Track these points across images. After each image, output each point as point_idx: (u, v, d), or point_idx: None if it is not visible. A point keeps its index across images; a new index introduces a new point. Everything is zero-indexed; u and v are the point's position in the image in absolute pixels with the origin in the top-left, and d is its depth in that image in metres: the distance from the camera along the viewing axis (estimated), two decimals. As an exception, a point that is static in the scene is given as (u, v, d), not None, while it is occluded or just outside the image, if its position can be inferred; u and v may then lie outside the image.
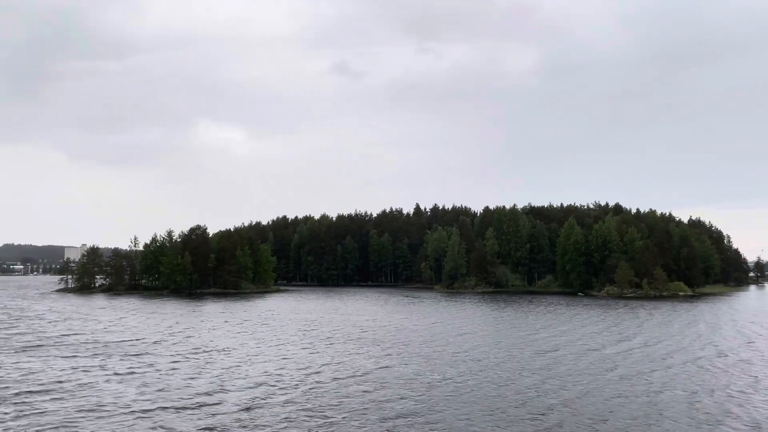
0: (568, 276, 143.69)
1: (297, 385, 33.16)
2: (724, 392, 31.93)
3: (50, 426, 24.60)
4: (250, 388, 32.30)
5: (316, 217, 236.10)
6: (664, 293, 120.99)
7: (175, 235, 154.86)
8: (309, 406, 28.36)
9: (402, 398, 29.98)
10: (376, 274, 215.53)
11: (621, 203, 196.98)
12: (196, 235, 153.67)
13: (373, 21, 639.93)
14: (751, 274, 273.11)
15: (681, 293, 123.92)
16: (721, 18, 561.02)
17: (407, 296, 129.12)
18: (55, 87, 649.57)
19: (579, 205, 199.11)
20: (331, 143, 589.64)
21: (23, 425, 24.64)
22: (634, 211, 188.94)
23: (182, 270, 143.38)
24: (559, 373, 36.93)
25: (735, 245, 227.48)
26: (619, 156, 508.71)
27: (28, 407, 27.63)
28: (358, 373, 36.58)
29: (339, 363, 40.56)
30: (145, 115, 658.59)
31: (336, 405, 28.48)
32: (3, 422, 25.07)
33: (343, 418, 26.22)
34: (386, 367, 39.11)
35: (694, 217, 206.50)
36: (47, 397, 29.53)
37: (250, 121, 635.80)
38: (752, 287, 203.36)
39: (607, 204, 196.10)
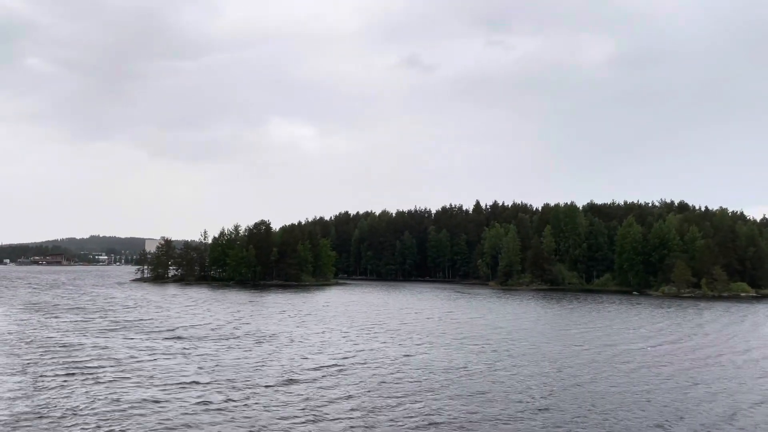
0: (625, 275, 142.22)
1: (335, 365, 37.36)
2: (707, 386, 33.70)
3: (130, 402, 28.02)
4: (316, 369, 36.68)
5: (378, 212, 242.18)
6: (724, 294, 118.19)
7: (242, 229, 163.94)
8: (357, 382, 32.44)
9: (407, 381, 33.55)
10: (434, 270, 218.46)
11: (688, 201, 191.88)
12: (261, 229, 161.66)
13: (440, 14, 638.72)
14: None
15: (743, 294, 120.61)
16: None
17: (460, 292, 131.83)
18: (137, 86, 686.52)
19: (643, 203, 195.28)
20: (397, 138, 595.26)
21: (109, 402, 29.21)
22: (702, 209, 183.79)
23: (247, 262, 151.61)
24: (564, 365, 39.48)
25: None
26: (692, 152, 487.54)
27: (111, 385, 32.83)
28: (385, 359, 40.43)
29: (365, 350, 44.51)
30: (220, 112, 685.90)
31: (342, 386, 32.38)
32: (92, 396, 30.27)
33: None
34: (412, 355, 42.75)
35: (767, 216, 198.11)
36: (127, 375, 34.64)
37: (320, 117, 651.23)
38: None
39: (672, 202, 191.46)
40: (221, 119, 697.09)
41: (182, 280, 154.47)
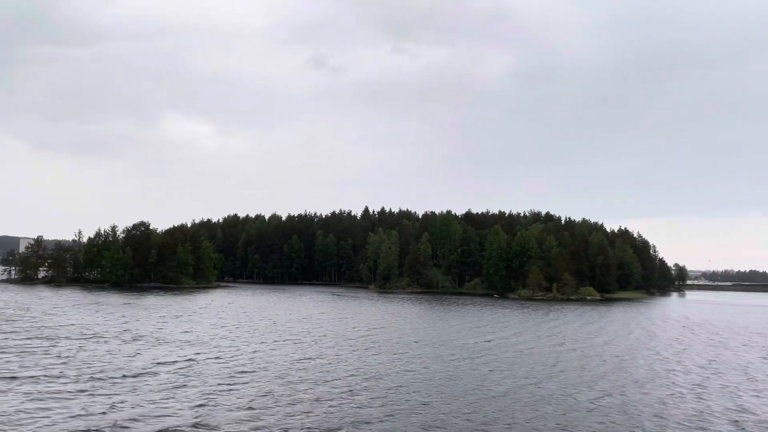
0: (492, 279, 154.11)
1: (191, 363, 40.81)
2: (517, 376, 40.78)
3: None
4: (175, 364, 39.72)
5: (269, 215, 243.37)
6: (572, 297, 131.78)
7: (119, 230, 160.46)
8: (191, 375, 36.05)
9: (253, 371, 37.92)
10: (321, 274, 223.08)
11: (556, 212, 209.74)
12: (140, 230, 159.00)
13: (347, 18, 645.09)
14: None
15: (589, 297, 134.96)
16: (696, 28, 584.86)
17: (337, 294, 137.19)
18: (18, 73, 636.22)
19: (515, 213, 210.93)
20: (296, 141, 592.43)
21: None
22: (565, 219, 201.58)
23: (124, 264, 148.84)
24: (398, 357, 45.44)
25: (661, 255, 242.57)
26: (574, 165, 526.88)
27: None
28: (222, 351, 44.44)
29: (224, 347, 48.31)
30: (112, 105, 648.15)
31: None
32: None
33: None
34: (265, 351, 47.05)
35: (623, 227, 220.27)
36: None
37: (220, 115, 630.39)
38: (674, 295, 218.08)
39: (539, 212, 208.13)
40: (113, 112, 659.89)
41: (53, 282, 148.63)
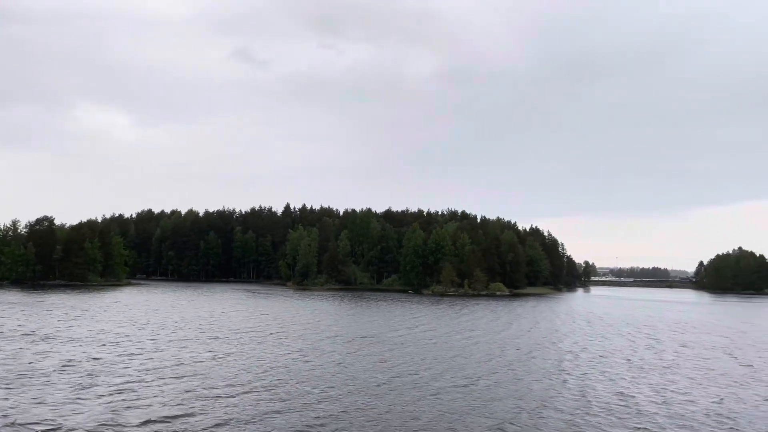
0: (408, 275, 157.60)
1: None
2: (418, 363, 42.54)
3: None
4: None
5: (185, 211, 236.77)
6: (483, 292, 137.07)
7: (21, 226, 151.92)
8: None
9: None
10: (239, 271, 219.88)
11: (473, 211, 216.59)
12: (43, 225, 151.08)
13: (273, 11, 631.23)
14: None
15: (498, 293, 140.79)
16: (611, 36, 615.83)
17: (254, 292, 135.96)
18: None
19: (433, 212, 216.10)
20: (217, 135, 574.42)
21: None
22: (480, 218, 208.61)
23: (25, 261, 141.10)
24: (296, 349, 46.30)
25: (570, 252, 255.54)
26: (493, 166, 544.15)
27: None
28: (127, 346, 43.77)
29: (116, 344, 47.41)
30: (18, 91, 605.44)
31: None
32: None
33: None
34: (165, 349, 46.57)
35: (534, 226, 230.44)
36: None
37: (138, 105, 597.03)
38: (580, 290, 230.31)
39: (456, 211, 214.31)
40: (19, 99, 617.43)
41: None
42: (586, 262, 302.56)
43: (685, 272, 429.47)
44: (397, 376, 36.93)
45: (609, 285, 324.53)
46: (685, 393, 34.57)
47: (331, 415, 27.31)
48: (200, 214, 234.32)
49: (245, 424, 25.45)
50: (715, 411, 30.22)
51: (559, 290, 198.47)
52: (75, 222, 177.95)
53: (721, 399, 33.23)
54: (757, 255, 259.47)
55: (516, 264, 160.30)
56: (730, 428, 27.36)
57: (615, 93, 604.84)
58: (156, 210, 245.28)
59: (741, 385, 37.93)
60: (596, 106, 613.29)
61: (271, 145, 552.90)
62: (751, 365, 46.29)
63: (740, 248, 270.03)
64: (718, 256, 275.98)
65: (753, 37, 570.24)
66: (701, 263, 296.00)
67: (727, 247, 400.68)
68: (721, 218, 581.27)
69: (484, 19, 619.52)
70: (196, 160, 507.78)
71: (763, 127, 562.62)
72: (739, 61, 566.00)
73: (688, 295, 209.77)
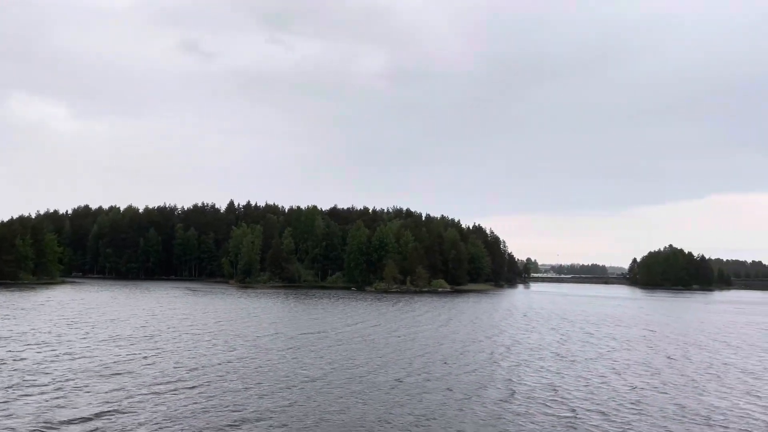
0: (352, 272, 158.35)
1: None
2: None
3: None
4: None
5: (124, 207, 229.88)
6: (425, 289, 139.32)
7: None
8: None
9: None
10: (180, 269, 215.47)
11: (417, 209, 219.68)
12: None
13: (222, 4, 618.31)
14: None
15: (440, 289, 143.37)
16: (556, 41, 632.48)
17: (194, 289, 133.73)
18: None
19: (379, 209, 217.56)
20: (161, 128, 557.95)
21: None
22: (425, 216, 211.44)
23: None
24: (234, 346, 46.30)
25: (511, 250, 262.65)
26: (439, 164, 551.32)
27: None
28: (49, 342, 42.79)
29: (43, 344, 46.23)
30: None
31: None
32: None
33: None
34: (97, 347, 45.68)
35: (477, 224, 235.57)
36: None
37: (77, 97, 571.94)
38: (520, 286, 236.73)
39: (401, 209, 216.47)
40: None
41: None
42: (528, 259, 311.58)
43: (622, 269, 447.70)
44: (332, 372, 37.57)
45: (549, 281, 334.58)
46: (605, 382, 36.63)
47: (259, 411, 27.67)
48: (140, 211, 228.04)
49: (171, 422, 25.52)
50: (629, 398, 32.24)
51: (501, 287, 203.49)
52: (6, 218, 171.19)
53: (634, 387, 35.44)
54: (686, 252, 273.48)
55: (458, 261, 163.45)
56: (639, 411, 29.38)
57: (559, 95, 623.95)
58: (93, 206, 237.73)
59: (655, 373, 40.45)
60: (541, 107, 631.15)
61: (216, 140, 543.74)
62: (669, 356, 49.26)
63: (671, 246, 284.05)
64: (650, 253, 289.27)
65: (697, 41, 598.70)
66: (635, 260, 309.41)
67: (661, 244, 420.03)
68: (658, 217, 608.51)
69: (432, 19, 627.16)
70: (137, 154, 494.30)
71: (702, 128, 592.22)
72: (679, 64, 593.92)
73: (622, 291, 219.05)
